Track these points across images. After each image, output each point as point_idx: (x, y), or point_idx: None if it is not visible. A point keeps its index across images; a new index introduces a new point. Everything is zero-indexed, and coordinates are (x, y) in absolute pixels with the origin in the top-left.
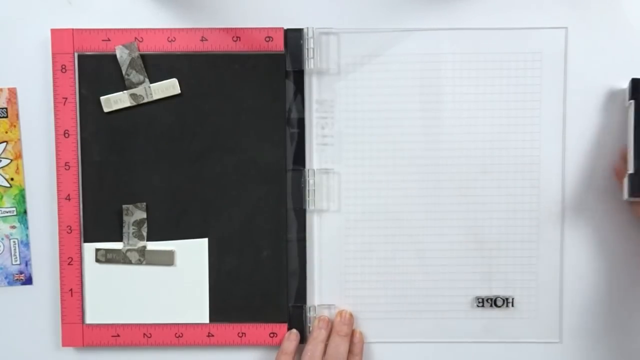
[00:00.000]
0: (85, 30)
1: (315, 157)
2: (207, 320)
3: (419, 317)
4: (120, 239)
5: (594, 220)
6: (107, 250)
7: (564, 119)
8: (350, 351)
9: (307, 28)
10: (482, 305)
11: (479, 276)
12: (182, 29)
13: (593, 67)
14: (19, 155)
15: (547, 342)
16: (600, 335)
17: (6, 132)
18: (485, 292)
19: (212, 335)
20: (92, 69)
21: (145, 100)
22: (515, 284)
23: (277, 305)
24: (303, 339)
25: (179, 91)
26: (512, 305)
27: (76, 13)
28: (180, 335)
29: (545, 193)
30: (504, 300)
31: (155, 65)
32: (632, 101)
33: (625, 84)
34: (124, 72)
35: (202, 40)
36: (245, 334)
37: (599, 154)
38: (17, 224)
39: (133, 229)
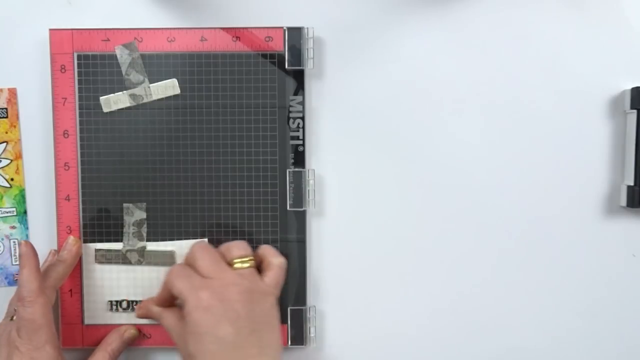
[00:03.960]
0: (85, 30)
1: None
2: None
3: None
4: (119, 240)
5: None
6: (107, 251)
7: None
8: None
9: (307, 28)
10: None
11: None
12: (182, 29)
13: (592, 68)
14: (19, 156)
15: None
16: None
17: (6, 133)
18: None
19: None
20: (92, 69)
21: (145, 100)
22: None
23: (277, 307)
24: (303, 340)
25: (179, 91)
26: None
27: (76, 13)
28: None
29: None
30: None
31: (155, 65)
32: (634, 111)
33: (625, 85)
34: (123, 72)
35: (201, 40)
36: None
37: (598, 154)
38: (17, 224)
39: (133, 229)
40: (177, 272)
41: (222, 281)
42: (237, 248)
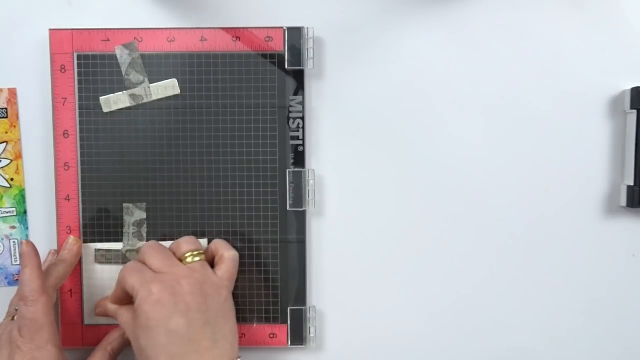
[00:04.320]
0: (85, 30)
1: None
2: None
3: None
4: (119, 240)
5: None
6: (107, 251)
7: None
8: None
9: (307, 28)
10: None
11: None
12: (182, 29)
13: (592, 68)
14: (19, 156)
15: None
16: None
17: (6, 133)
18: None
19: None
20: (92, 69)
21: (145, 101)
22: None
23: (277, 307)
24: (303, 340)
25: (179, 91)
26: None
27: (76, 13)
28: None
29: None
30: None
31: (155, 65)
32: (634, 111)
33: (625, 85)
34: (123, 72)
35: (201, 40)
36: (245, 334)
37: (598, 154)
38: (17, 224)
39: (133, 229)
40: (129, 268)
41: (173, 275)
42: (187, 243)
